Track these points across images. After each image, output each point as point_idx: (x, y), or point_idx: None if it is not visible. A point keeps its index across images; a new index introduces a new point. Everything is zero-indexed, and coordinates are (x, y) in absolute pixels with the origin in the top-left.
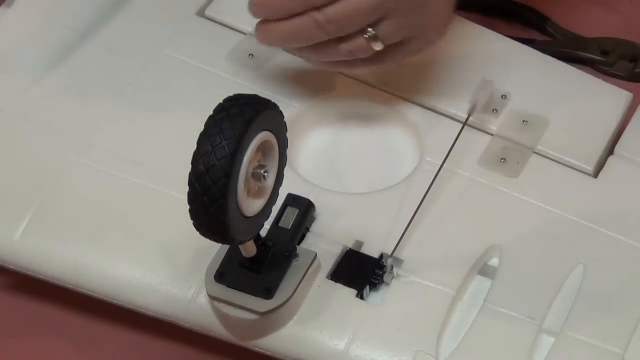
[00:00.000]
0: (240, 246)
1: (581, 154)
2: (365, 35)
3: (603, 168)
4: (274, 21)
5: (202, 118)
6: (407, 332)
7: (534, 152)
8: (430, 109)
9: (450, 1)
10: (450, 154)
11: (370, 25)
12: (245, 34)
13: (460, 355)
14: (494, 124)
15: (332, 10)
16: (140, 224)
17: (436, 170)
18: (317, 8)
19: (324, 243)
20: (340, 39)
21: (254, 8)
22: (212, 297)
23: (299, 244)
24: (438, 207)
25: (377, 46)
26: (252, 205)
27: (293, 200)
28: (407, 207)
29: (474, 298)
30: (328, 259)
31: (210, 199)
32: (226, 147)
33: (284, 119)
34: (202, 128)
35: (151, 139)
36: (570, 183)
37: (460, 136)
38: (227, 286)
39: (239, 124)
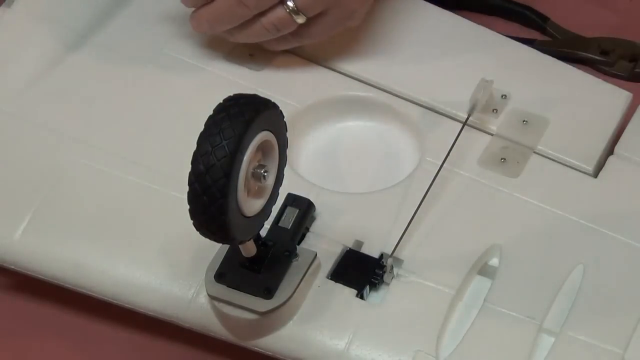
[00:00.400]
0: (240, 246)
1: (581, 154)
2: (286, 10)
3: (603, 168)
4: (202, 7)
5: (202, 118)
6: (407, 332)
7: (534, 152)
8: (430, 109)
9: None
10: (450, 154)
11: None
12: None
13: (460, 355)
14: (494, 124)
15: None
16: (140, 224)
17: (436, 170)
18: None
19: (324, 243)
20: (264, 15)
21: None
22: (212, 297)
23: (299, 244)
24: (438, 207)
25: (300, 19)
26: (252, 205)
27: (293, 200)
28: (407, 207)
29: (474, 298)
30: (328, 259)
31: (210, 198)
32: (226, 147)
33: (284, 119)
34: (202, 128)
35: (151, 139)
36: (570, 183)
37: (460, 136)
38: (227, 286)
39: (239, 123)
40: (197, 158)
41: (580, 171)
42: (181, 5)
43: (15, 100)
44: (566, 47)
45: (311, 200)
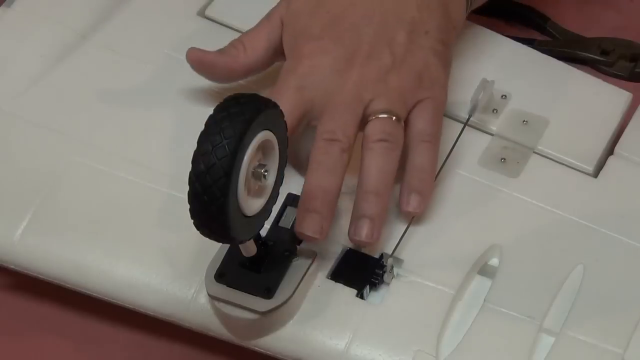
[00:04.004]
0: (240, 246)
1: (581, 154)
2: (375, 117)
3: (603, 168)
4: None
5: (202, 118)
6: (407, 332)
7: (534, 152)
8: None
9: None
10: (451, 154)
11: (375, 112)
12: None
13: (461, 355)
14: (494, 124)
15: (328, 127)
16: (140, 224)
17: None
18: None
19: (324, 243)
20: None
21: None
22: (212, 297)
23: (299, 243)
24: (438, 207)
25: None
26: (252, 205)
27: (293, 200)
28: None
29: (474, 298)
30: (328, 259)
31: (211, 198)
32: (226, 147)
33: (284, 119)
34: (202, 128)
35: (151, 138)
36: (570, 183)
37: (460, 136)
38: (228, 286)
39: (240, 123)
40: (198, 157)
41: (580, 171)
42: (181, 6)
43: (15, 100)
44: (566, 47)
45: None
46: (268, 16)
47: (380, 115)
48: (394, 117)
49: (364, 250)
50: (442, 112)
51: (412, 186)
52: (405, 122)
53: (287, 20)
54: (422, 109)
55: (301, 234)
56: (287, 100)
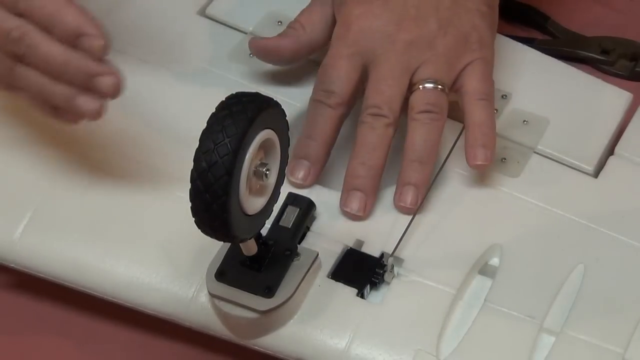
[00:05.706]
0: (241, 245)
1: (581, 154)
2: (420, 87)
3: (603, 168)
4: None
5: (204, 117)
6: (408, 331)
7: (535, 152)
8: None
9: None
10: (451, 154)
11: (421, 81)
12: (246, 33)
13: (461, 354)
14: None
15: (374, 102)
16: (140, 222)
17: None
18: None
19: (324, 242)
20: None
21: None
22: (213, 296)
23: (299, 243)
24: (439, 207)
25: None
26: (253, 204)
27: (294, 199)
28: None
29: (475, 297)
30: (329, 258)
31: (212, 196)
32: (228, 145)
33: (286, 118)
34: (204, 126)
35: (152, 138)
36: (570, 183)
37: (461, 136)
38: (228, 285)
39: (242, 121)
40: (200, 155)
41: (580, 171)
42: (182, 5)
43: (15, 100)
44: (566, 47)
45: (312, 199)
46: None
47: (426, 85)
48: (439, 87)
49: (365, 250)
50: (492, 72)
51: (477, 140)
52: (456, 85)
53: None
54: (473, 70)
55: (346, 212)
56: (344, 69)
